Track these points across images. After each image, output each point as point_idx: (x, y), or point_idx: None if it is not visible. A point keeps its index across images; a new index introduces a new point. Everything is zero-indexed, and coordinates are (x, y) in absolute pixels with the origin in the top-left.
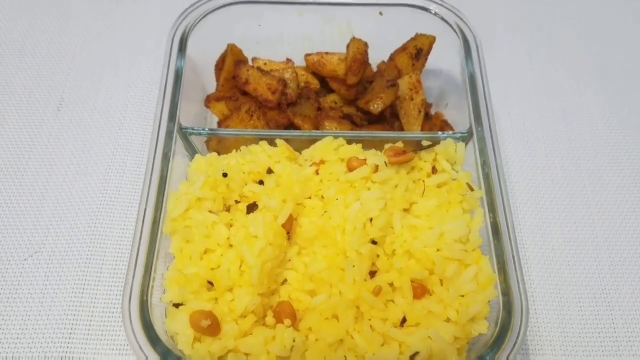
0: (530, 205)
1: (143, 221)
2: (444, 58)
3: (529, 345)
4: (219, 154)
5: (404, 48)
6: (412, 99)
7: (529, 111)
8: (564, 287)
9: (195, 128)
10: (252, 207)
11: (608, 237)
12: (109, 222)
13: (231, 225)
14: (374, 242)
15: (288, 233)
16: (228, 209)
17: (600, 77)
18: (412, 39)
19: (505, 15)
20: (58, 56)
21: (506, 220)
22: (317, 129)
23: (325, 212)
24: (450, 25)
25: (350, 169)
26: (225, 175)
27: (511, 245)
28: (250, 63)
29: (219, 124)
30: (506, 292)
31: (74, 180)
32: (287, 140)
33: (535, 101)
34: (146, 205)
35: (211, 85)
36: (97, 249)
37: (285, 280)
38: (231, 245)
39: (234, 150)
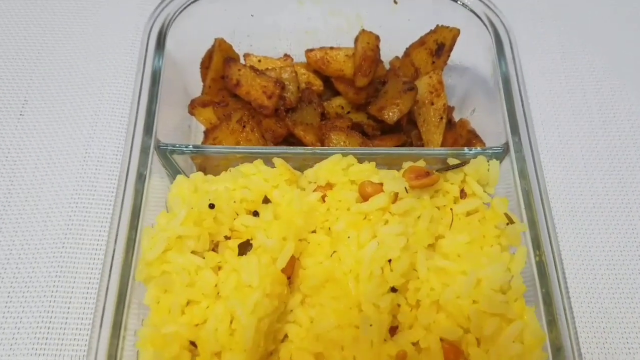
0: (569, 226)
1: (111, 267)
2: (469, 55)
3: None
4: (205, 172)
5: (422, 42)
6: (432, 104)
7: (563, 118)
8: (610, 325)
9: (177, 145)
10: (245, 247)
11: None
12: (76, 249)
13: (219, 268)
14: (394, 290)
15: (289, 278)
16: (216, 247)
17: None
18: (432, 32)
19: (533, 5)
20: (21, 53)
21: (554, 259)
22: (321, 141)
23: (334, 252)
24: (479, 17)
25: (364, 196)
26: (212, 206)
27: (562, 292)
28: (242, 61)
29: (206, 133)
30: (558, 351)
31: (37, 198)
32: (286, 159)
33: (569, 106)
34: (115, 245)
35: (196, 88)
36: (64, 280)
37: (285, 337)
38: (219, 294)
39: (222, 172)
